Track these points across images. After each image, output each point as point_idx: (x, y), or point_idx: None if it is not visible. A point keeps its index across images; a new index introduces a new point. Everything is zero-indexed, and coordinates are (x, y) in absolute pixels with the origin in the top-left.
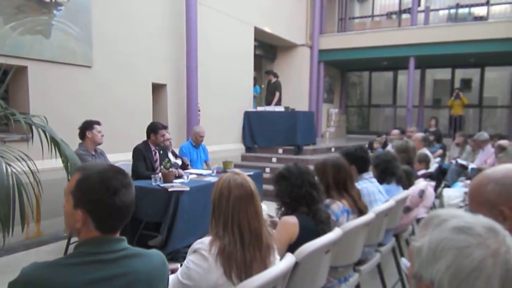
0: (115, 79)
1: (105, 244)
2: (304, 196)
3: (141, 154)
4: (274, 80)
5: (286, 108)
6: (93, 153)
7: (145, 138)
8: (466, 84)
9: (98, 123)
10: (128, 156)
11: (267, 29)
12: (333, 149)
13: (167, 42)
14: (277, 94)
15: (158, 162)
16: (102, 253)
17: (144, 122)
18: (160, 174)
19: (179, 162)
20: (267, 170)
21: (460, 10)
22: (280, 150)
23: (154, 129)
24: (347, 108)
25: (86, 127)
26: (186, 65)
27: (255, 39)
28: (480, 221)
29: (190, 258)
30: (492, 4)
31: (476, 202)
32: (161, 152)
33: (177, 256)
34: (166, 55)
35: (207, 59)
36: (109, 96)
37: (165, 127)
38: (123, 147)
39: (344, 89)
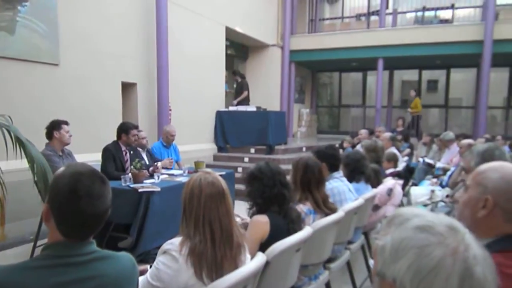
0: (84, 78)
1: (73, 247)
2: (276, 196)
3: (110, 154)
4: (240, 80)
5: (258, 108)
6: (61, 153)
7: (115, 138)
8: (433, 85)
9: (66, 123)
10: (97, 156)
11: (238, 29)
12: (304, 149)
13: (137, 41)
14: (245, 93)
15: (128, 162)
16: (69, 256)
17: (113, 122)
18: (130, 174)
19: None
20: (239, 170)
21: (427, 13)
22: (252, 150)
23: (125, 129)
24: (318, 108)
25: (54, 127)
26: (156, 64)
27: (227, 39)
28: (441, 220)
29: (160, 259)
30: (457, 8)
31: (476, 180)
32: (132, 152)
33: (148, 257)
34: (136, 54)
35: (178, 58)
36: (77, 95)
37: (136, 127)
38: (92, 147)
39: (314, 90)
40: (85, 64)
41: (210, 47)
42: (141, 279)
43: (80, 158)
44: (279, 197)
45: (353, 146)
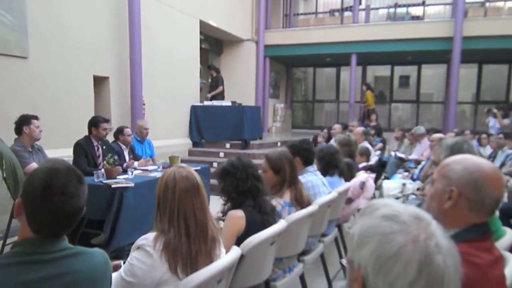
0: (54, 71)
1: (43, 244)
2: (250, 190)
3: (82, 149)
4: (215, 75)
5: (233, 102)
6: (30, 149)
7: (86, 133)
8: (404, 80)
9: (36, 117)
10: (69, 152)
11: (212, 23)
12: (279, 144)
13: (109, 33)
14: (220, 87)
15: (101, 157)
16: (40, 253)
17: (85, 116)
18: (102, 170)
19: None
20: (215, 164)
21: (398, 10)
22: (228, 145)
23: (95, 122)
24: (293, 103)
25: (23, 122)
26: (129, 58)
27: (201, 33)
28: (408, 210)
29: (134, 254)
30: (428, 5)
31: (441, 173)
32: (104, 147)
33: (122, 253)
34: (108, 47)
35: (151, 52)
36: (47, 88)
37: (107, 120)
38: (63, 142)
39: (289, 85)
40: (55, 57)
41: (184, 41)
42: (114, 275)
43: (51, 153)
44: (253, 190)
45: (327, 140)
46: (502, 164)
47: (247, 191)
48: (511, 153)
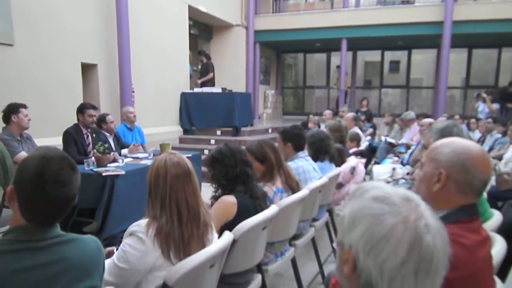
0: (41, 59)
1: (35, 231)
2: (239, 175)
3: (71, 138)
4: (205, 61)
5: (224, 89)
6: (19, 138)
7: (75, 122)
8: (395, 66)
9: (24, 106)
10: (58, 140)
11: (201, 8)
12: (270, 130)
13: (96, 20)
14: (210, 74)
15: (90, 145)
16: (32, 241)
17: (74, 104)
18: (93, 158)
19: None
20: (206, 152)
21: None
22: (219, 132)
23: (81, 108)
24: (283, 89)
25: (11, 111)
26: (117, 44)
27: (190, 18)
28: (398, 192)
29: (127, 241)
30: None
31: (430, 156)
32: (94, 135)
33: (114, 241)
34: (95, 33)
35: (140, 38)
36: (35, 76)
37: (94, 107)
38: (52, 131)
39: (279, 71)
40: (41, 44)
41: (172, 26)
42: (107, 261)
43: (40, 142)
44: (242, 175)
45: (319, 126)
46: (491, 148)
47: (237, 177)
48: (500, 137)
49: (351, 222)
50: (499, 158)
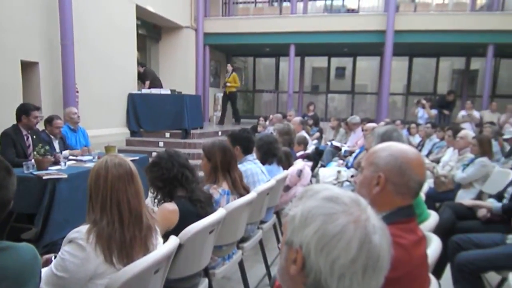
0: None
1: None
2: (176, 176)
3: (10, 139)
4: (142, 71)
5: (173, 91)
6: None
7: (14, 122)
8: (341, 72)
9: (37, 108)
10: None
11: (149, 8)
12: (220, 133)
13: (37, 16)
14: (147, 82)
15: (31, 147)
16: None
17: (12, 104)
18: (33, 161)
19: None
20: (154, 154)
21: (335, 2)
22: (167, 134)
23: (25, 110)
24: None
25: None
26: (60, 42)
27: (138, 18)
28: (347, 193)
29: (66, 248)
30: None
31: (369, 160)
32: (35, 136)
33: (54, 248)
34: (37, 31)
35: (84, 37)
36: None
37: (38, 108)
38: None
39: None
40: None
41: (119, 26)
42: (44, 270)
43: None
44: (179, 176)
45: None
46: (429, 152)
47: (173, 179)
48: (438, 141)
49: (303, 221)
50: (437, 161)
